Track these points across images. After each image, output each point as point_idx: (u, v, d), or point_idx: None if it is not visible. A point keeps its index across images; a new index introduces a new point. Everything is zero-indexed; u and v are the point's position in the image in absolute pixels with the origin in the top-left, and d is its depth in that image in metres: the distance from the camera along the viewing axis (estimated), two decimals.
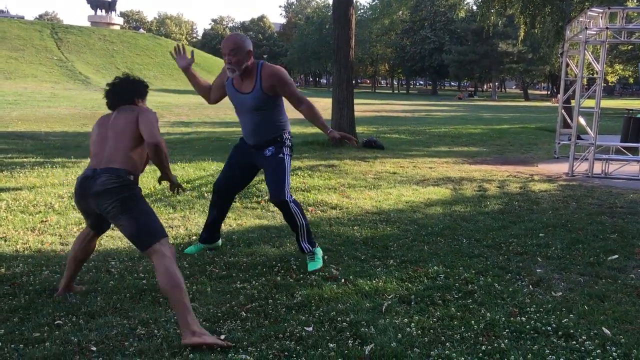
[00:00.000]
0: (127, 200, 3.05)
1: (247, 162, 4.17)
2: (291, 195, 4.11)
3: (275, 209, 5.92)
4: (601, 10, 8.84)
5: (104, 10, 57.22)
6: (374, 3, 74.78)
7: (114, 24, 57.30)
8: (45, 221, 5.14)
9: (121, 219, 3.03)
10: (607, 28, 8.71)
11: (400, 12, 71.70)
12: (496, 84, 66.11)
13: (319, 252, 4.16)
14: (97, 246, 4.41)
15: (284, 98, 4.01)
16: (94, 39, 49.78)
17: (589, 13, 8.97)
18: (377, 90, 78.46)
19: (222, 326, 3.06)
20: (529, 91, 66.63)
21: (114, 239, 4.69)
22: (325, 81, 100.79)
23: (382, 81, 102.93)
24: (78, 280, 3.67)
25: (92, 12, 57.07)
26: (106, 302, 3.33)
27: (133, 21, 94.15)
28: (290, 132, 4.18)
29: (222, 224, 4.63)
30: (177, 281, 2.89)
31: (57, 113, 18.84)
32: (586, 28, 8.78)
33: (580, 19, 9.47)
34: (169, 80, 47.20)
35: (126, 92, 3.37)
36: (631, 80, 59.44)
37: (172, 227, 5.11)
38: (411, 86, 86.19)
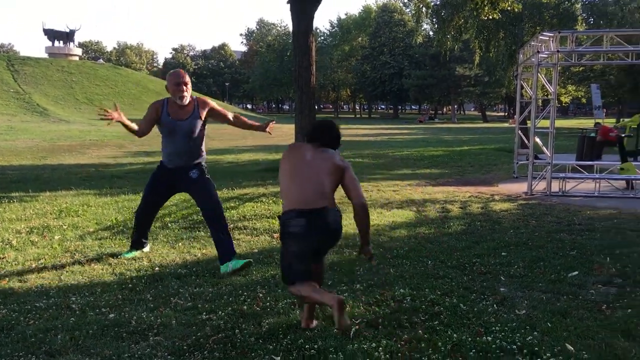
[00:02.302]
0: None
1: (170, 186, 4.96)
2: None
3: (241, 237, 5.90)
4: (552, 34, 9.17)
5: (62, 42, 56.40)
6: (333, 30, 76.05)
7: (72, 55, 56.51)
8: (3, 258, 4.98)
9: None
10: (558, 51, 9.03)
11: (360, 38, 73.17)
12: (455, 106, 67.52)
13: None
14: (57, 282, 4.33)
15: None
16: (52, 70, 49.04)
17: (541, 37, 9.30)
18: (339, 115, 79.20)
19: (189, 359, 3.00)
20: (487, 113, 68.20)
21: (74, 273, 4.58)
22: (287, 107, 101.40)
23: (344, 106, 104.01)
24: (39, 315, 3.57)
25: (49, 44, 56.24)
26: (67, 339, 3.23)
27: (92, 51, 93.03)
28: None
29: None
30: None
31: (15, 146, 18.42)
32: (538, 52, 9.09)
33: (533, 43, 9.80)
34: (130, 110, 46.65)
35: (335, 141, 3.57)
36: (584, 101, 61.52)
37: (134, 260, 5.01)
38: (373, 110, 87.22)
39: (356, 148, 20.21)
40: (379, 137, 27.64)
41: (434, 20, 20.27)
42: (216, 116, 4.94)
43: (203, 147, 4.92)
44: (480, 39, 18.15)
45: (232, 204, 7.84)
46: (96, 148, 19.45)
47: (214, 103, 4.95)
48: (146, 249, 5.27)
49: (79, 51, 60.33)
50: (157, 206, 5.19)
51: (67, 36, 56.33)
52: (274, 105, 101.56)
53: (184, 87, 4.64)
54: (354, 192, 3.38)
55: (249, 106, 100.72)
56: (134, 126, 4.70)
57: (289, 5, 11.73)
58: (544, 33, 9.36)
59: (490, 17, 12.39)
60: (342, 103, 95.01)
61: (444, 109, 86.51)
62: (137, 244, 5.20)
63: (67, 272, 4.63)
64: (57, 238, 5.76)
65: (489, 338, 3.24)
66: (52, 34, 55.77)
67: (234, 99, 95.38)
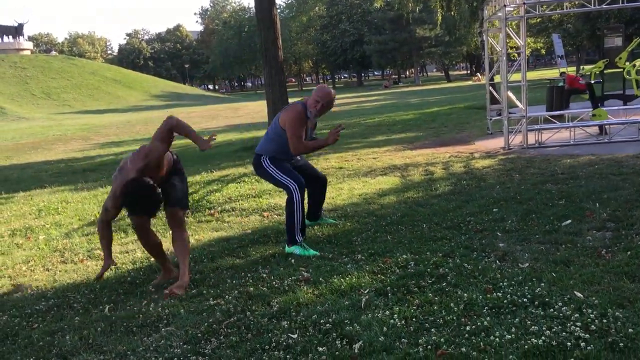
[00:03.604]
0: None
1: None
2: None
3: (231, 218, 5.85)
4: None
5: (10, 37, 54.51)
6: (289, 2, 74.92)
7: (23, 49, 54.72)
8: None
9: None
10: (524, 3, 9.05)
11: (317, 8, 72.24)
12: (418, 69, 67.59)
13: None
14: (53, 282, 4.22)
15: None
16: (4, 67, 47.45)
17: None
18: (303, 88, 78.62)
19: (205, 346, 2.96)
20: (450, 72, 68.50)
21: (68, 272, 4.48)
22: (250, 84, 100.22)
23: (307, 78, 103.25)
24: (41, 318, 3.47)
25: None
26: (77, 339, 3.16)
27: (43, 44, 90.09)
28: None
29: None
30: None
31: None
32: (505, 5, 9.08)
33: None
34: (89, 101, 45.65)
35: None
36: (543, 52, 62.14)
37: (127, 252, 4.92)
38: (336, 80, 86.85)
39: (327, 119, 20.10)
40: (347, 106, 27.53)
41: None
42: None
43: None
44: None
45: (215, 187, 7.74)
46: (61, 143, 18.97)
47: None
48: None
49: (30, 45, 58.51)
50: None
51: (16, 30, 54.50)
52: (236, 84, 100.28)
53: (322, 109, 4.81)
54: None
55: (210, 87, 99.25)
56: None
57: None
58: None
59: None
60: (304, 75, 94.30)
61: (407, 73, 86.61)
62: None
63: (60, 271, 4.53)
64: (42, 238, 5.62)
65: (499, 294, 3.27)
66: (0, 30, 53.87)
67: (194, 81, 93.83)
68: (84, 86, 48.88)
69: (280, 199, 6.58)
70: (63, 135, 22.22)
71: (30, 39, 69.09)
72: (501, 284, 3.44)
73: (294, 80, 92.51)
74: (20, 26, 54.72)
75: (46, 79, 47.72)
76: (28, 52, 55.56)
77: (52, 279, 4.36)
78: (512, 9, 9.40)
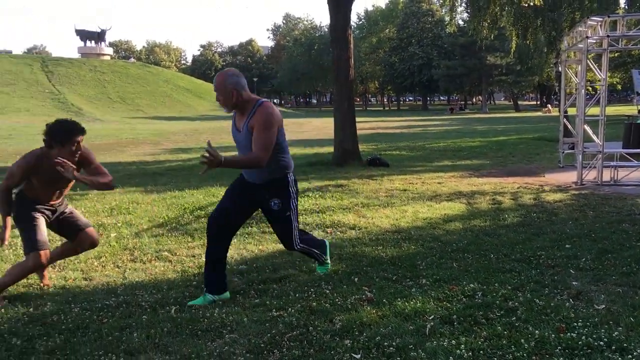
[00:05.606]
0: None
1: (249, 199, 3.95)
2: (299, 239, 4.12)
3: None
4: (600, 19, 8.91)
5: (93, 42, 57.40)
6: (360, 22, 75.65)
7: (104, 55, 57.45)
8: None
9: None
10: (607, 36, 8.77)
11: (387, 30, 72.61)
12: (486, 96, 66.52)
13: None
14: (122, 279, 4.35)
15: (284, 134, 3.86)
16: (84, 70, 49.89)
17: (589, 22, 9.03)
18: (368, 108, 78.85)
19: (268, 357, 2.97)
20: (519, 102, 67.04)
21: (137, 271, 4.60)
22: (315, 101, 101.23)
23: (371, 99, 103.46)
24: (111, 313, 3.57)
25: (81, 44, 57.23)
26: (144, 337, 3.23)
27: (122, 51, 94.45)
28: (293, 170, 3.99)
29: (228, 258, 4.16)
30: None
31: None
32: (587, 37, 8.83)
33: (580, 29, 9.53)
34: (161, 108, 47.31)
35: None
36: (619, 87, 60.00)
37: (194, 256, 5.02)
38: (401, 102, 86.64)
39: (391, 140, 20.07)
40: (412, 130, 27.38)
41: (468, 9, 19.92)
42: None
43: (282, 158, 3.85)
44: (517, 26, 17.73)
45: None
46: (133, 146, 19.69)
47: (263, 122, 3.62)
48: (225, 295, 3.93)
49: (110, 51, 61.34)
50: (230, 218, 3.95)
51: (99, 36, 57.34)
52: (301, 100, 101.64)
53: (223, 101, 3.71)
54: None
55: (276, 101, 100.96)
56: None
57: None
58: (593, 17, 9.08)
59: (532, 3, 12.08)
60: (369, 95, 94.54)
61: (473, 99, 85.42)
62: (210, 285, 3.88)
63: (129, 269, 4.66)
64: (114, 236, 5.81)
65: (573, 334, 3.12)
66: (83, 34, 56.83)
67: (262, 94, 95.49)
68: (158, 93, 50.75)
69: (344, 216, 6.58)
70: (135, 138, 23.08)
71: (111, 45, 72.45)
72: (575, 324, 3.28)
73: (358, 99, 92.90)
74: (103, 32, 57.52)
75: (123, 84, 49.85)
76: (108, 58, 58.24)
77: (122, 276, 4.49)
78: (594, 41, 9.13)
